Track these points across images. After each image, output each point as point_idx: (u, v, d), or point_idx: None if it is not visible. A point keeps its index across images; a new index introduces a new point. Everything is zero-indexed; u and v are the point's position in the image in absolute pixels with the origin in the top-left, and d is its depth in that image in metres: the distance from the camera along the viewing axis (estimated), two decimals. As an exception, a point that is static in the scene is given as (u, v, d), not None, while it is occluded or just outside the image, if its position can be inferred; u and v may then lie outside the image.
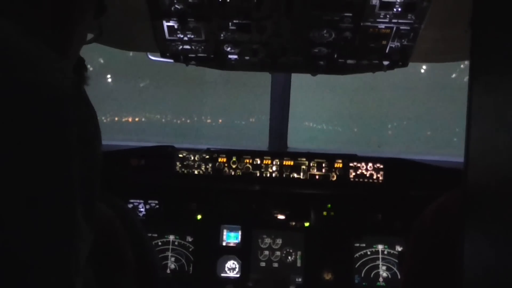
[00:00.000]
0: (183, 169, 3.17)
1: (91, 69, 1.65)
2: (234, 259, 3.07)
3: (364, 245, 3.07)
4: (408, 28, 2.16)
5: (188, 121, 5.66)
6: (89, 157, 0.88)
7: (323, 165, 3.14)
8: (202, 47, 2.34)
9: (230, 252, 3.09)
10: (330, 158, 3.16)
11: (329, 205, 3.13)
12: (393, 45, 2.26)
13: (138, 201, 3.16)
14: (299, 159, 3.16)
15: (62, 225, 0.80)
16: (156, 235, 3.11)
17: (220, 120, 5.55)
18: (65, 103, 0.83)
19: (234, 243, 3.11)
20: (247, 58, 2.41)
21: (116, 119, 5.42)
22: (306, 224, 3.13)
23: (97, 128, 0.93)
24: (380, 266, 3.03)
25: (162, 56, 2.42)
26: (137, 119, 5.51)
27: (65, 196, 0.81)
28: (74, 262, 0.81)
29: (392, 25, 2.14)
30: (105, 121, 5.16)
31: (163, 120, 5.63)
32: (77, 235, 0.83)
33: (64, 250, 0.80)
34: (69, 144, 0.82)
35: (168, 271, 3.07)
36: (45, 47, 0.90)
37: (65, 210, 0.81)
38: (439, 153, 4.36)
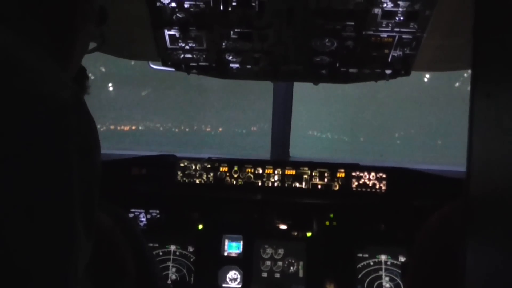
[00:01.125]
0: (184, 178, 3.17)
1: (92, 77, 1.66)
2: (236, 270, 3.06)
3: (366, 255, 3.05)
4: (411, 37, 2.17)
5: (187, 129, 5.64)
6: (88, 167, 0.88)
7: (326, 174, 3.14)
8: (204, 56, 2.35)
9: (232, 262, 3.08)
10: (333, 167, 3.15)
11: (331, 215, 3.12)
12: (396, 54, 2.27)
13: (139, 210, 3.16)
14: (301, 168, 3.16)
15: (61, 234, 0.81)
16: (157, 245, 3.10)
17: (220, 129, 5.53)
18: (65, 114, 0.83)
19: (236, 253, 3.10)
20: (248, 66, 2.42)
21: (112, 127, 5.41)
22: (308, 234, 3.12)
23: (96, 139, 0.93)
24: (383, 276, 3.01)
25: (164, 65, 2.43)
26: (133, 128, 5.50)
27: (64, 206, 0.81)
28: (72, 271, 0.81)
29: (394, 34, 2.15)
30: (101, 129, 5.15)
31: (161, 128, 5.62)
32: (75, 244, 0.83)
33: (63, 260, 0.80)
34: (68, 154, 0.83)
35: (169, 281, 3.05)
36: (46, 57, 0.91)
37: (64, 220, 0.81)
38: (451, 162, 4.33)
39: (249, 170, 3.16)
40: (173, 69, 2.47)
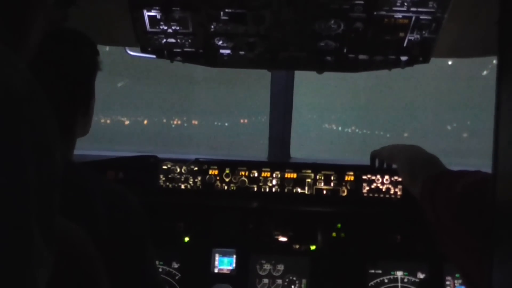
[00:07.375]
0: (167, 183, 3.17)
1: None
2: (228, 289, 3.07)
3: (380, 271, 3.06)
4: (430, 18, 2.17)
5: (145, 122, 5.50)
6: (46, 166, 0.88)
7: (332, 178, 3.13)
8: (189, 41, 2.35)
9: (223, 280, 3.08)
10: (340, 169, 3.15)
11: (338, 225, 3.13)
12: (412, 38, 2.27)
13: (115, 220, 3.15)
14: (303, 171, 3.15)
15: (16, 245, 0.80)
16: (136, 260, 3.10)
17: (195, 122, 5.37)
18: (16, 105, 0.83)
19: (228, 269, 3.10)
20: (242, 53, 2.42)
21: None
22: (312, 247, 3.12)
23: (55, 136, 0.93)
24: (399, 296, 3.03)
25: (143, 51, 2.43)
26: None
27: (18, 211, 0.80)
28: (29, 283, 0.81)
29: (410, 14, 2.16)
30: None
31: (108, 121, 5.52)
32: (34, 256, 0.82)
33: (19, 274, 0.80)
34: (21, 151, 0.82)
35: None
36: None
37: (19, 227, 0.80)
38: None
39: (243, 173, 3.16)
40: (153, 56, 2.47)
